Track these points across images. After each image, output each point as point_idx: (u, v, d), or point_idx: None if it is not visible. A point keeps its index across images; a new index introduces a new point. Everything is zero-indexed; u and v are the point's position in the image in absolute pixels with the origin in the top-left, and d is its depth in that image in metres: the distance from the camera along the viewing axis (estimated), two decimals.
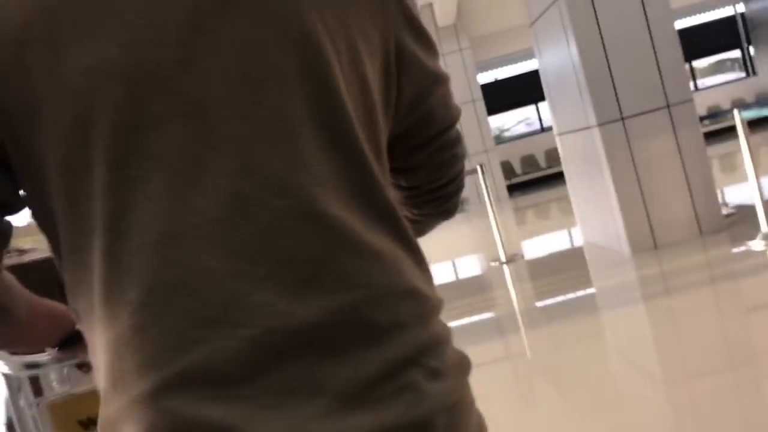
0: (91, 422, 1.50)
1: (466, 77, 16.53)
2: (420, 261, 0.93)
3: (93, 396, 1.43)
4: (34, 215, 0.91)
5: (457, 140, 1.12)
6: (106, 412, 0.85)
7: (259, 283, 0.81)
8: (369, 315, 0.84)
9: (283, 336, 0.80)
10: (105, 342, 0.83)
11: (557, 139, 8.48)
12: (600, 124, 6.74)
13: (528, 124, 20.47)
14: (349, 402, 0.80)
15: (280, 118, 0.85)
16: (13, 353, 1.45)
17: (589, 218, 7.99)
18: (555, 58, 7.71)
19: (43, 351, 1.35)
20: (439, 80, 1.04)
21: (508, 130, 20.79)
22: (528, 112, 20.42)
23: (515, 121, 20.56)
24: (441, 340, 0.90)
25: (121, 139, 0.81)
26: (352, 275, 0.84)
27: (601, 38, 6.69)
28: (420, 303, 0.90)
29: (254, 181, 0.83)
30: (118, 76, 0.81)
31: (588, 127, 6.99)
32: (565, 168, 8.52)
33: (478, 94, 17.01)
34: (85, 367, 1.36)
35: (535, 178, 18.76)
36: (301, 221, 0.83)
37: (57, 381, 1.57)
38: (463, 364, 0.93)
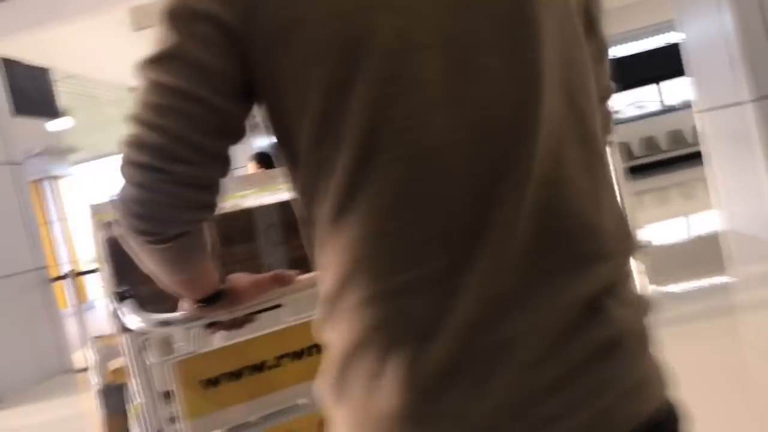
0: (211, 383, 1.56)
1: None
2: (618, 204, 1.04)
3: (215, 356, 1.56)
4: (274, 135, 1.03)
5: (612, 111, 1.23)
6: (330, 308, 0.97)
7: (496, 201, 0.92)
8: (575, 244, 0.95)
9: (509, 249, 0.91)
10: (344, 244, 0.94)
11: (698, 117, 8.03)
12: (755, 99, 6.32)
13: (639, 107, 19.77)
14: (556, 320, 0.91)
15: (529, 59, 0.95)
16: (149, 309, 1.50)
17: (733, 203, 7.55)
18: (703, 28, 7.33)
19: (178, 307, 1.40)
20: (607, 51, 1.17)
21: (617, 112, 20.16)
22: (641, 93, 19.66)
23: (625, 103, 19.87)
24: (629, 276, 1.01)
25: (382, 61, 0.92)
26: (567, 205, 0.95)
27: (761, 3, 6.24)
28: (619, 240, 1.00)
29: (500, 111, 0.93)
30: (381, 4, 0.92)
31: (740, 103, 6.59)
32: (707, 148, 8.04)
33: None
34: (213, 326, 1.47)
35: (655, 161, 18.16)
36: (535, 150, 0.93)
37: (184, 341, 1.62)
38: (642, 302, 1.02)
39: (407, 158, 0.92)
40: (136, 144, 0.97)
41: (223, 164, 1.01)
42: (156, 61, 0.97)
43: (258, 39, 0.95)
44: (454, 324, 0.89)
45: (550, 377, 0.90)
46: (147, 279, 1.49)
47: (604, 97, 1.16)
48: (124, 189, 1.00)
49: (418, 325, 0.90)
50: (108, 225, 1.80)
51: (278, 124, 1.01)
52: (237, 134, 1.02)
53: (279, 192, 1.96)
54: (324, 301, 0.98)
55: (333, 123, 0.94)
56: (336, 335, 0.96)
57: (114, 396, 2.01)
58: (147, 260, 1.12)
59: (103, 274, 2.30)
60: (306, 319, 1.62)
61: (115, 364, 2.20)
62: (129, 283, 1.56)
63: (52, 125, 13.03)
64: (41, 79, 12.30)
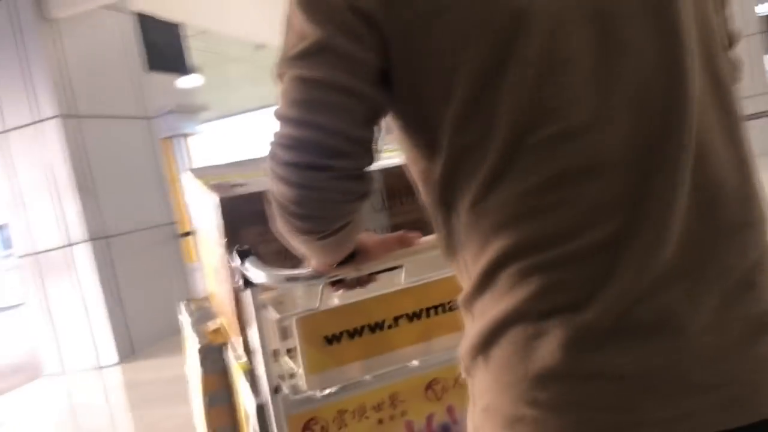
0: (334, 338, 1.63)
1: (741, 8, 15.20)
2: (756, 170, 1.04)
3: (337, 314, 1.63)
4: (405, 122, 1.06)
5: (739, 60, 1.20)
6: (485, 282, 1.00)
7: (652, 173, 0.94)
8: (727, 213, 0.97)
9: (667, 220, 0.94)
10: (498, 222, 0.97)
11: None
12: None
13: None
14: (712, 290, 0.94)
15: (671, 29, 0.96)
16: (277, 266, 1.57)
17: None
18: None
19: (302, 264, 1.46)
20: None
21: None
22: None
23: None
24: None
25: (536, 39, 0.94)
26: (717, 174, 0.98)
27: None
28: (761, 208, 1.02)
29: (649, 82, 0.96)
30: None
31: None
32: None
33: (756, 27, 15.69)
34: (338, 284, 1.56)
35: None
36: (687, 119, 0.95)
37: (308, 297, 1.71)
38: None
39: (561, 135, 0.94)
40: (290, 144, 1.00)
41: (374, 152, 1.06)
42: (302, 57, 0.99)
43: (397, 26, 0.97)
44: (613, 292, 0.92)
45: (706, 347, 0.92)
46: (261, 240, 1.59)
47: (731, 44, 1.16)
48: (279, 191, 1.03)
49: (577, 293, 0.93)
50: (217, 187, 1.89)
51: (414, 112, 1.04)
52: (380, 122, 1.05)
53: (381, 159, 2.01)
54: (479, 277, 1.01)
55: (482, 106, 0.96)
56: (491, 306, 0.99)
57: (213, 355, 2.10)
58: (304, 250, 1.18)
59: (198, 236, 2.41)
60: (422, 282, 1.69)
61: (212, 325, 2.27)
62: (243, 243, 1.64)
63: (183, 82, 13.46)
64: (173, 35, 12.69)
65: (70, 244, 7.60)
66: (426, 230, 1.38)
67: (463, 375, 1.07)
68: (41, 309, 7.77)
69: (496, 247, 0.98)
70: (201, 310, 2.50)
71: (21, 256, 7.79)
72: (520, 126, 0.95)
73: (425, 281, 1.70)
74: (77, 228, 7.56)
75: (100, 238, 7.69)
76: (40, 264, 7.69)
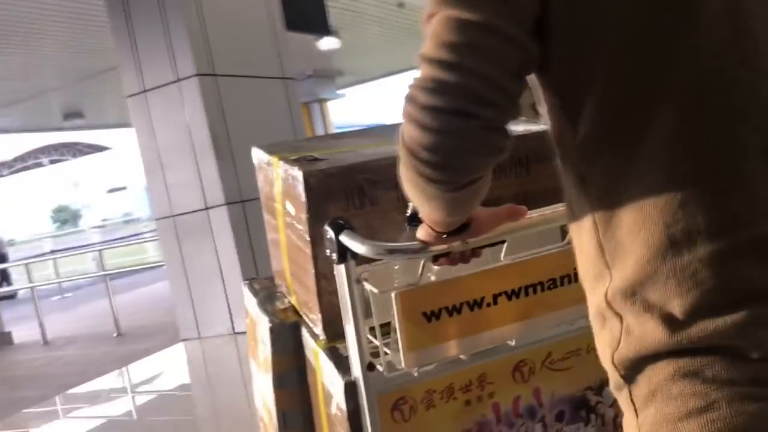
0: (433, 315, 1.61)
1: None
2: None
3: (436, 289, 1.63)
4: (552, 79, 1.04)
5: None
6: (648, 274, 0.95)
7: None
8: None
9: None
10: (663, 205, 0.93)
11: None
12: None
13: None
14: None
15: None
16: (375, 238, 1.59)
17: None
18: None
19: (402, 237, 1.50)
20: None
21: None
22: None
23: None
24: None
25: (715, 5, 0.91)
26: None
27: None
28: None
29: None
30: None
31: None
32: None
33: None
34: (441, 258, 1.53)
35: None
36: None
37: (409, 272, 1.69)
38: None
39: (744, 109, 0.91)
40: (435, 88, 0.96)
41: (518, 105, 1.01)
42: None
43: None
44: None
45: None
46: (343, 215, 1.60)
47: None
48: (414, 136, 0.99)
49: (756, 294, 0.90)
50: (298, 161, 1.91)
51: (564, 67, 1.01)
52: (528, 74, 1.03)
53: None
54: (640, 268, 0.96)
55: (648, 67, 0.93)
56: (664, 299, 0.94)
57: (285, 335, 2.12)
58: (425, 204, 1.15)
59: (265, 213, 2.42)
60: (524, 258, 1.68)
61: (280, 304, 2.30)
62: (331, 217, 1.66)
63: (323, 43, 13.55)
64: None
65: (207, 208, 7.72)
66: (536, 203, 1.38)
67: (620, 385, 1.02)
68: (178, 272, 7.99)
69: (659, 237, 0.94)
70: (266, 289, 2.52)
71: (158, 219, 8.03)
72: (697, 95, 0.92)
73: (526, 258, 1.68)
74: (214, 191, 7.65)
75: (237, 202, 7.73)
76: (177, 227, 7.90)
